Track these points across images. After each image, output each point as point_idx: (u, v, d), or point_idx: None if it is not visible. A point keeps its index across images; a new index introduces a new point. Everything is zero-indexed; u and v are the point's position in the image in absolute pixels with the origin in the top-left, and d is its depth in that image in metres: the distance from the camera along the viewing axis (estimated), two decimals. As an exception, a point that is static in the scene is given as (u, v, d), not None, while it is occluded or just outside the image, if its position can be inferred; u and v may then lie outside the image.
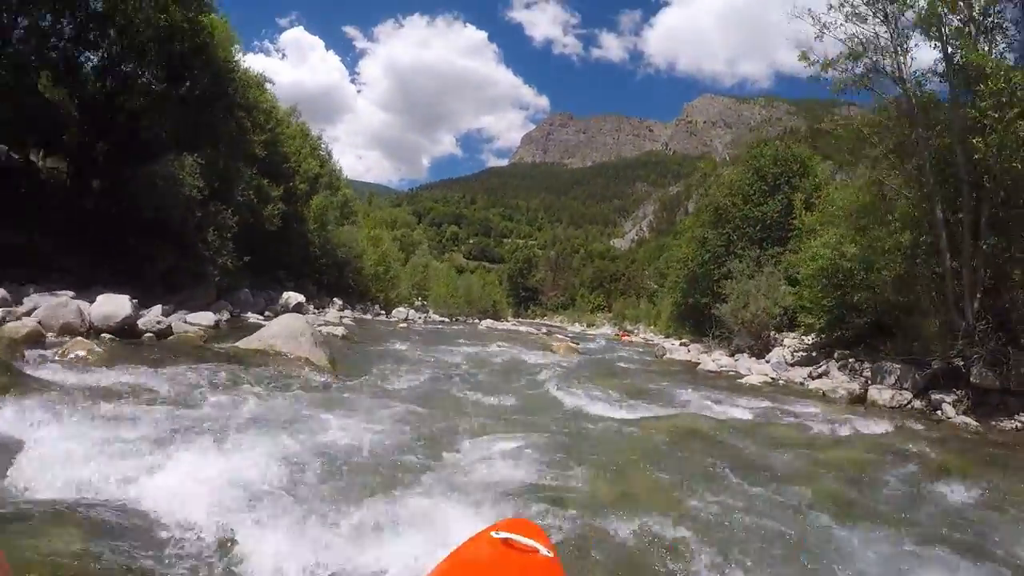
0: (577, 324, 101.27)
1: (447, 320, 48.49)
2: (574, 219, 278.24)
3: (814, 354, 22.37)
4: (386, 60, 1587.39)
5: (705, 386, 16.37)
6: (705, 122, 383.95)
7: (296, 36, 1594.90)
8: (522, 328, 44.18)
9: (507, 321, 66.46)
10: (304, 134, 45.45)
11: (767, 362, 23.29)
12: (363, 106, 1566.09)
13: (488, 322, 46.29)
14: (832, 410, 13.36)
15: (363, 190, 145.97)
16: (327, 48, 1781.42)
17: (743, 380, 18.94)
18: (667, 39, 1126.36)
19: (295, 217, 35.64)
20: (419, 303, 57.75)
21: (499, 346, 22.84)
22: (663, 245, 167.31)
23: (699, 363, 24.38)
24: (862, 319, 19.74)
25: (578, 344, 31.84)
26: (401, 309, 43.42)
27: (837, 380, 18.14)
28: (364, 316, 36.69)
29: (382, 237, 52.10)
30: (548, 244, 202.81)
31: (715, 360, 24.48)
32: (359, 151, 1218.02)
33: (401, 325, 32.69)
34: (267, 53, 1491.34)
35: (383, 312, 42.62)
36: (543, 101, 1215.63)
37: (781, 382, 19.29)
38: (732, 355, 26.52)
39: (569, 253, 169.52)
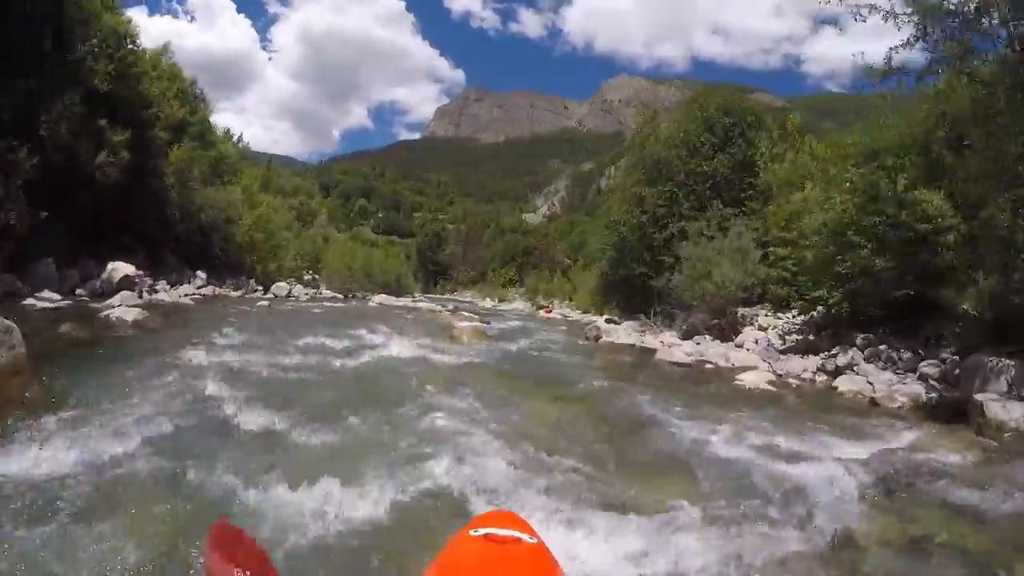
0: (488, 299, 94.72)
1: (340, 297, 40.97)
2: (486, 194, 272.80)
3: (812, 337, 16.65)
4: (300, 26, 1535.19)
5: (693, 397, 10.87)
6: (620, 101, 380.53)
7: None
8: (423, 304, 37.02)
9: (412, 297, 59.65)
10: (174, 75, 37.87)
11: (744, 348, 17.64)
12: (273, 74, 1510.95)
13: (382, 298, 39.17)
14: (957, 444, 7.48)
15: (272, 162, 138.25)
16: (238, 11, 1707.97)
17: (740, 381, 13.06)
18: (586, 17, 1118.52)
19: (150, 171, 28.39)
20: (309, 277, 50.60)
21: (375, 333, 15.66)
22: (575, 221, 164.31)
23: (652, 350, 18.54)
24: (899, 290, 13.80)
25: (488, 323, 25.77)
26: (282, 284, 36.25)
27: (876, 377, 12.28)
28: (230, 293, 29.52)
29: (260, 199, 44.23)
30: (459, 219, 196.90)
31: (671, 346, 18.65)
32: (267, 121, 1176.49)
33: (262, 303, 25.18)
34: (175, 15, 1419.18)
35: (261, 288, 35.41)
36: (458, 75, 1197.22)
37: (792, 382, 13.54)
38: (686, 337, 20.78)
39: (480, 227, 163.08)
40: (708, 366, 15.72)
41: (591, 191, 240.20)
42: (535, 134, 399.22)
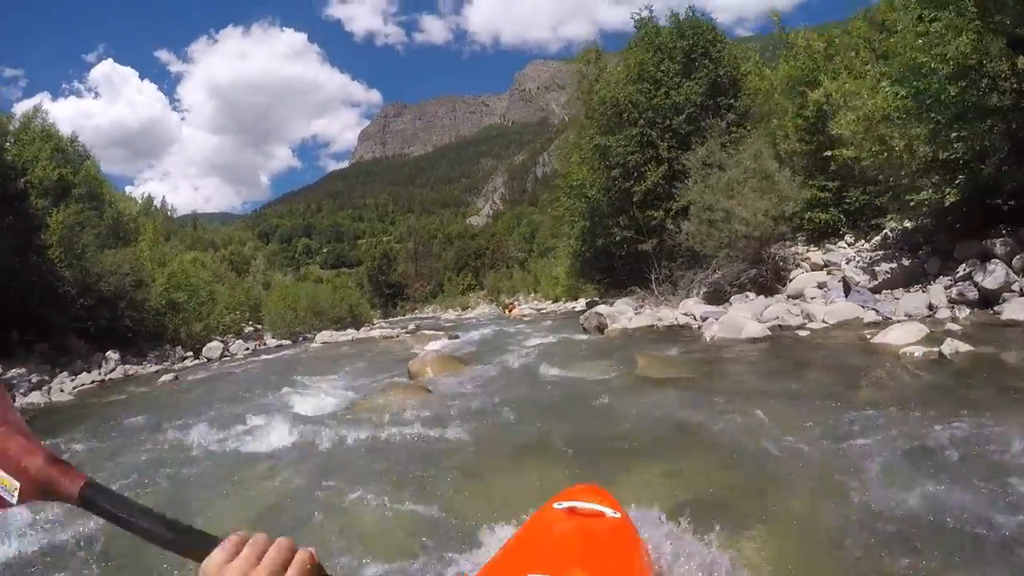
0: (451, 310, 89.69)
1: (286, 343, 35.00)
2: (425, 207, 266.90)
3: (906, 262, 11.91)
4: (205, 81, 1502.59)
5: (880, 402, 6.10)
6: (538, 88, 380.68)
7: (106, 71, 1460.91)
8: (377, 332, 31.42)
9: (369, 325, 54.11)
10: (48, 135, 32.48)
11: (810, 299, 12.77)
12: (190, 134, 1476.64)
13: (325, 336, 33.25)
14: None
15: (207, 222, 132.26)
16: (141, 78, 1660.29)
17: (888, 346, 8.51)
18: (488, 14, 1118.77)
19: (31, 248, 23.67)
20: (250, 329, 44.94)
21: (302, 393, 10.10)
22: (521, 213, 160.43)
23: (688, 328, 13.79)
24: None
25: (457, 337, 21.04)
26: (214, 344, 30.52)
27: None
28: (145, 370, 23.64)
29: (169, 255, 38.49)
30: (404, 236, 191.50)
31: (710, 317, 13.60)
32: (195, 181, 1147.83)
33: (167, 377, 18.35)
34: (79, 95, 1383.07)
35: (190, 353, 29.84)
36: (375, 95, 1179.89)
37: (954, 328, 8.88)
38: (713, 301, 15.92)
39: (427, 240, 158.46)
40: (801, 333, 10.69)
41: (529, 181, 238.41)
42: (461, 137, 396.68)
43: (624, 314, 16.73)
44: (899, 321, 9.58)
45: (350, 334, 32.92)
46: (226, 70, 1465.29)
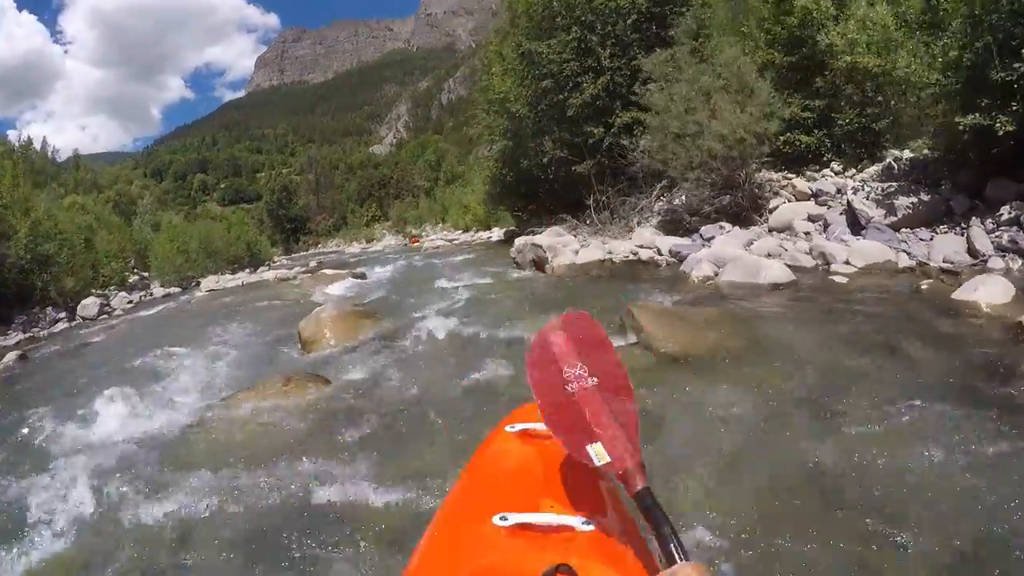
0: (355, 243, 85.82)
1: (174, 291, 30.73)
2: (327, 136, 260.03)
3: (925, 196, 9.57)
4: (88, 8, 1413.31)
5: None
6: (445, 12, 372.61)
7: None
8: (272, 274, 27.40)
9: (270, 264, 50.45)
10: None
11: (809, 234, 10.44)
12: (75, 68, 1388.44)
13: (213, 281, 29.34)
14: None
15: (93, 162, 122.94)
16: (19, 9, 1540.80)
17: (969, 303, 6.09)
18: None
19: None
20: (136, 278, 40.51)
21: (139, 384, 6.96)
22: (426, 141, 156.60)
23: (663, 263, 11.13)
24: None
25: (364, 277, 18.14)
26: (89, 301, 26.43)
27: None
28: (6, 340, 19.62)
29: (36, 202, 33.48)
30: (305, 168, 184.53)
31: (681, 252, 10.97)
32: (81, 120, 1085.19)
33: (9, 358, 14.11)
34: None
35: (64, 314, 25.97)
36: (272, 19, 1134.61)
37: None
38: (674, 232, 13.33)
39: (329, 171, 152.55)
40: (836, 279, 7.98)
41: (434, 108, 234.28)
42: (364, 63, 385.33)
43: (568, 246, 13.80)
44: (977, 271, 7.10)
45: (240, 278, 28.93)
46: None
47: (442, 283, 13.26)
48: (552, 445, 1.87)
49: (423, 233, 73.13)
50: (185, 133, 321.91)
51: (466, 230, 51.98)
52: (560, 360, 1.76)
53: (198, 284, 36.70)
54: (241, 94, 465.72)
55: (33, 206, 31.56)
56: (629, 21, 19.25)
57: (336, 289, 15.42)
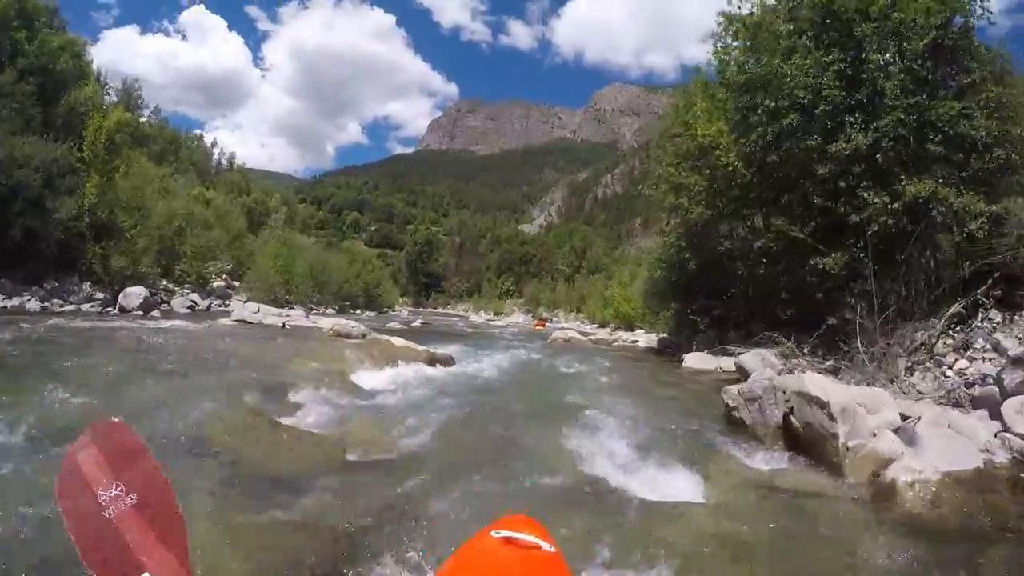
0: (483, 312, 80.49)
1: (261, 311, 24.93)
2: (481, 205, 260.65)
3: None
4: (291, 43, 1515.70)
5: None
6: (613, 110, 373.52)
7: (197, 16, 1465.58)
8: (329, 323, 19.86)
9: (388, 312, 45.25)
10: None
11: None
12: (268, 91, 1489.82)
13: (251, 310, 23.17)
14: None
15: (267, 180, 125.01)
16: (230, 29, 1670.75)
17: None
18: (575, 29, 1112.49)
19: None
20: (221, 283, 35.82)
21: None
22: (574, 229, 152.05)
23: None
24: None
25: (449, 365, 13.11)
26: (137, 290, 21.59)
27: None
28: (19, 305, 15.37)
29: (134, 169, 28.94)
30: (454, 230, 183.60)
31: None
32: (263, 139, 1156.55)
33: None
34: (167, 34, 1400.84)
35: (103, 296, 21.30)
36: (452, 88, 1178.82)
37: None
38: None
39: (476, 238, 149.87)
40: None
41: (588, 200, 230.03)
42: (529, 144, 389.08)
43: (880, 413, 6.39)
44: None
45: (298, 318, 22.70)
46: (312, 36, 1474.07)
47: (586, 426, 6.74)
48: (535, 555, 1.98)
49: (554, 318, 67.07)
50: (351, 173, 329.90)
51: (602, 325, 45.77)
52: (93, 482, 1.58)
53: (305, 309, 31.77)
54: (410, 150, 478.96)
55: (119, 171, 27.21)
56: (923, 43, 12.04)
57: (381, 380, 9.89)
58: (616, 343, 28.16)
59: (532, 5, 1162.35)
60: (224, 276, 38.19)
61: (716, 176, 16.38)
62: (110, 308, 20.76)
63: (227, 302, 31.00)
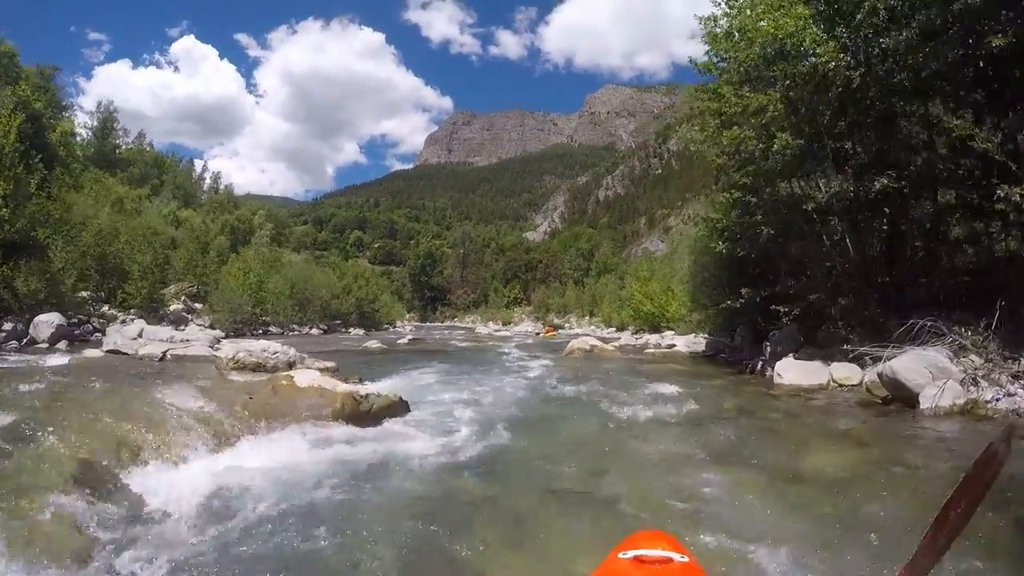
0: (491, 323, 75.49)
1: (144, 336, 19.12)
2: (484, 216, 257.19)
3: None
4: (282, 68, 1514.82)
5: None
6: (608, 112, 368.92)
7: (187, 46, 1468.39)
8: (245, 349, 13.10)
9: (400, 326, 40.87)
10: None
11: None
12: (263, 117, 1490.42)
13: (130, 338, 17.77)
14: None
15: (268, 204, 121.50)
16: (221, 57, 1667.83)
17: None
18: (563, 35, 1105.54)
19: None
20: (178, 307, 30.75)
21: None
22: (579, 233, 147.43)
23: None
24: None
25: (400, 416, 8.13)
26: (51, 317, 17.48)
27: None
28: None
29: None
30: (457, 242, 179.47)
31: None
32: (262, 164, 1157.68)
33: None
34: (158, 66, 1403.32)
35: (11, 326, 16.60)
36: (446, 102, 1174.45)
37: None
38: None
39: (480, 248, 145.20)
40: None
41: (590, 203, 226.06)
42: (527, 152, 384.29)
43: None
44: None
45: (196, 345, 16.58)
46: (303, 60, 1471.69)
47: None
48: (667, 569, 1.81)
49: (566, 324, 61.93)
50: (352, 192, 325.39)
51: (620, 328, 40.76)
52: None
53: (284, 329, 27.19)
54: (409, 166, 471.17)
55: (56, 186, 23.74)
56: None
57: (207, 480, 4.97)
58: (648, 350, 22.81)
59: (519, 15, 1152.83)
60: (183, 298, 33.04)
61: (802, 88, 11.10)
62: (14, 341, 16.47)
63: (182, 327, 26.20)
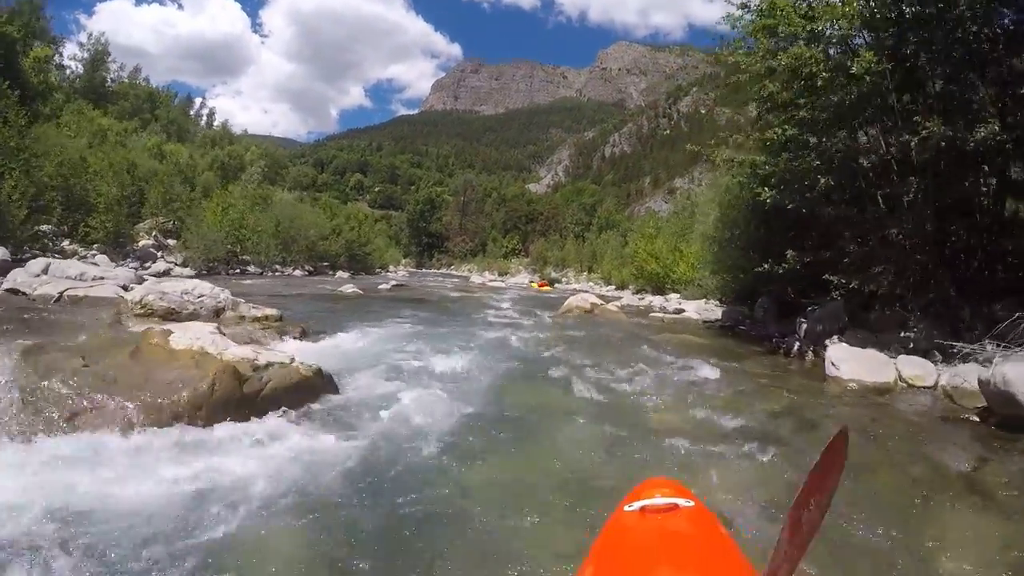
0: (487, 272, 72.92)
1: (50, 272, 16.50)
2: (487, 166, 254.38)
3: None
4: (289, 6, 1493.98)
5: None
6: (619, 69, 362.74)
7: None
8: (116, 292, 11.49)
9: (385, 271, 38.98)
10: None
11: None
12: (268, 57, 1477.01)
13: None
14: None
15: (267, 143, 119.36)
16: None
17: None
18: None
19: None
20: (148, 242, 28.56)
21: None
22: (582, 188, 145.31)
23: None
24: None
25: (328, 397, 5.89)
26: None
27: None
28: None
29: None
30: (459, 190, 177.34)
31: None
32: (265, 105, 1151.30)
33: None
34: (161, 3, 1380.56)
35: None
36: (455, 49, 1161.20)
37: None
38: None
39: (481, 197, 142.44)
40: None
41: (595, 159, 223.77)
42: (535, 104, 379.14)
43: None
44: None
45: (104, 285, 13.88)
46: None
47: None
48: (673, 517, 1.85)
49: (563, 279, 59.70)
50: (355, 136, 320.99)
51: (620, 287, 38.53)
52: None
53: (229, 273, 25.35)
54: (414, 112, 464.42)
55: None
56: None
57: None
58: (655, 313, 20.33)
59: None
60: (154, 234, 30.65)
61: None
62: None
63: (148, 264, 24.10)
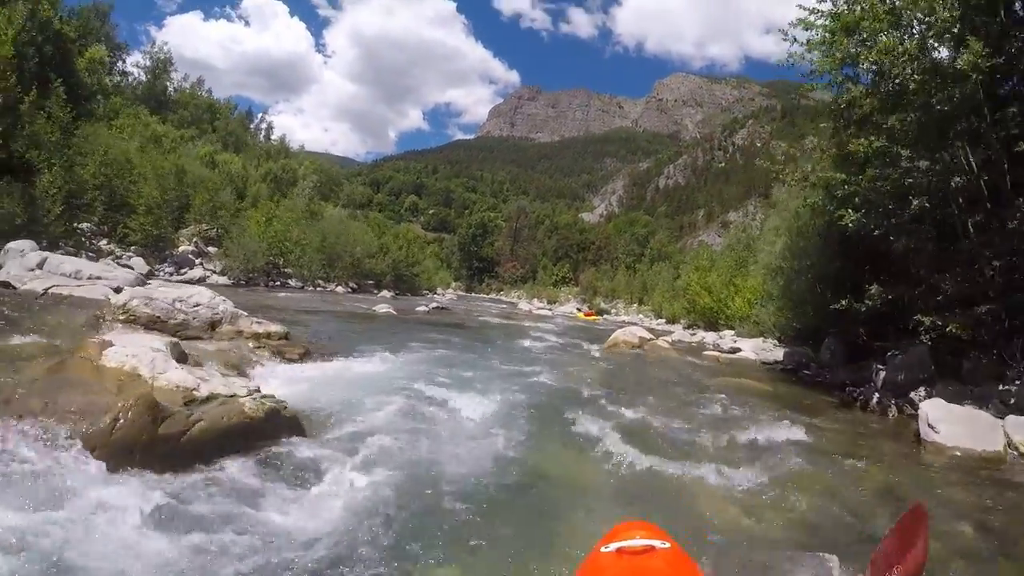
0: (536, 300, 71.86)
1: (46, 267, 16.24)
2: (541, 193, 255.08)
3: None
4: (351, 29, 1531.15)
5: None
6: (675, 100, 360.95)
7: (258, 1, 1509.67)
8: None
9: (441, 293, 38.78)
10: None
11: None
12: (330, 77, 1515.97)
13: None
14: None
15: (326, 161, 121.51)
16: (291, 14, 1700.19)
17: None
18: (636, 18, 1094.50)
19: None
20: (187, 247, 28.26)
21: None
22: (635, 219, 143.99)
23: None
24: None
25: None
26: (17, 244, 14.18)
27: None
28: None
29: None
30: (512, 216, 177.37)
31: None
32: (326, 123, 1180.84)
33: None
34: (229, 19, 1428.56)
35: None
36: (512, 76, 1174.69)
37: None
38: None
39: (533, 224, 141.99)
40: None
41: (649, 190, 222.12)
42: (590, 133, 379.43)
43: None
44: None
45: (96, 287, 13.15)
46: (373, 22, 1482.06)
47: None
48: (649, 558, 1.69)
49: (612, 310, 58.53)
50: (412, 158, 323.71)
51: (670, 321, 36.97)
52: None
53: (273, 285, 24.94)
54: (471, 136, 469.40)
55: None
56: None
57: None
58: (708, 351, 18.82)
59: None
60: (195, 240, 30.28)
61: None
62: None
63: (184, 270, 23.76)
